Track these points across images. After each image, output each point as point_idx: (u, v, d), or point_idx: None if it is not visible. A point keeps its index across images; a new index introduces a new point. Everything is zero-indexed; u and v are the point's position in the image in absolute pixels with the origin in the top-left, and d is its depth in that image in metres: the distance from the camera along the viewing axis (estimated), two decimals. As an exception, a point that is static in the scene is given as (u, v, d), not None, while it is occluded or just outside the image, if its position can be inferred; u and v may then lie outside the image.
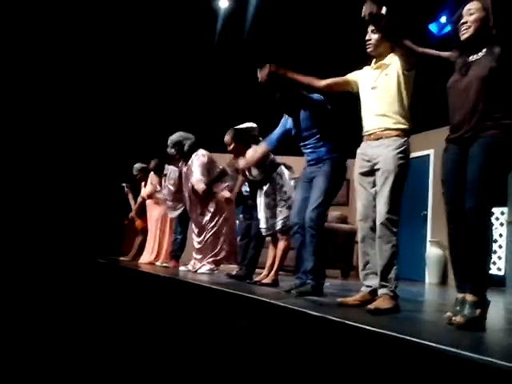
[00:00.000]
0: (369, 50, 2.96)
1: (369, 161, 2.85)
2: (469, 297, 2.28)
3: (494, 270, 5.83)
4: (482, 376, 1.51)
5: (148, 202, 6.65)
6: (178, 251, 5.99)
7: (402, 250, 2.79)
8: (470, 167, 2.32)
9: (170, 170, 6.00)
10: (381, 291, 2.68)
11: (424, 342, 1.76)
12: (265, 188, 4.11)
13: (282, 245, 3.99)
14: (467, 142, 2.36)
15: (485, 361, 1.52)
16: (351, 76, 3.10)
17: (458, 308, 2.36)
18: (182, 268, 5.51)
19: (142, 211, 6.81)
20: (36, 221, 8.00)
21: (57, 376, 2.52)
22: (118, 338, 3.31)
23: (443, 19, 6.84)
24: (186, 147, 5.25)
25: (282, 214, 3.98)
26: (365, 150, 2.91)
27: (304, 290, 3.19)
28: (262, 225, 4.12)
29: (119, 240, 7.80)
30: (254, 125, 4.52)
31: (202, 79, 7.59)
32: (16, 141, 8.08)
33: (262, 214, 4.12)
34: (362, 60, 3.09)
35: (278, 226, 3.99)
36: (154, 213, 6.54)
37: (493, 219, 5.94)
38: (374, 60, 2.99)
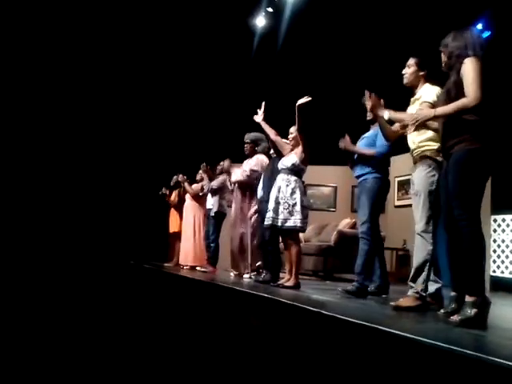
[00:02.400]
0: (404, 82, 3.39)
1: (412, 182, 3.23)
2: (467, 298, 2.49)
3: (507, 274, 5.89)
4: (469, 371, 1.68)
5: (187, 204, 7.10)
6: (214, 257, 6.40)
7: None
8: (449, 179, 2.61)
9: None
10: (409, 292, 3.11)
11: (415, 337, 1.98)
12: (282, 183, 4.33)
13: (293, 249, 4.27)
14: (448, 156, 2.66)
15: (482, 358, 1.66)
16: None
17: (451, 305, 2.65)
18: (232, 274, 5.78)
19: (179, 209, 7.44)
20: (88, 230, 8.67)
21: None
22: (158, 332, 3.69)
23: (480, 26, 6.88)
24: (259, 148, 5.58)
25: (282, 214, 4.23)
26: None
27: (350, 289, 3.75)
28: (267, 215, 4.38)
29: (165, 247, 8.29)
30: None
31: (238, 93, 8.00)
32: (66, 149, 8.82)
33: (269, 204, 4.39)
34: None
35: (278, 223, 4.25)
36: (189, 216, 6.99)
37: (504, 225, 6.04)
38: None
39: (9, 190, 8.31)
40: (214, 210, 6.34)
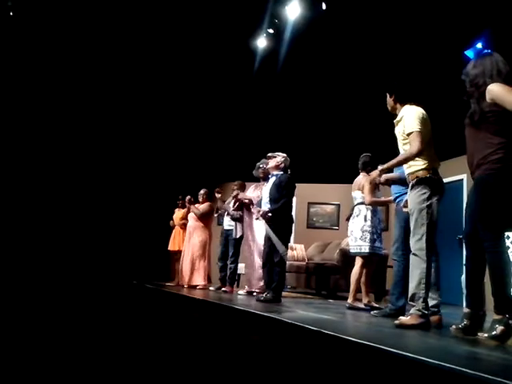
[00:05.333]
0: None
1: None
2: (494, 315, 2.53)
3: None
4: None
5: (192, 225, 7.09)
6: (233, 278, 6.54)
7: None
8: (471, 201, 2.71)
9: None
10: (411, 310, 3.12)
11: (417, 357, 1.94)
12: (368, 213, 4.60)
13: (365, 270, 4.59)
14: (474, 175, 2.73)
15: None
16: None
17: (463, 322, 2.65)
18: (240, 292, 6.08)
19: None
20: (91, 250, 8.67)
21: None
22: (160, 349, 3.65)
23: (479, 45, 6.95)
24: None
25: (374, 241, 4.54)
26: None
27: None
28: (355, 242, 4.69)
29: (167, 266, 8.27)
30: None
31: (239, 113, 8.10)
32: (71, 169, 8.89)
33: (359, 234, 4.61)
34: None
35: (367, 249, 4.55)
36: (194, 237, 7.00)
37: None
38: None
39: (17, 210, 8.36)
40: (239, 233, 6.39)
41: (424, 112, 3.27)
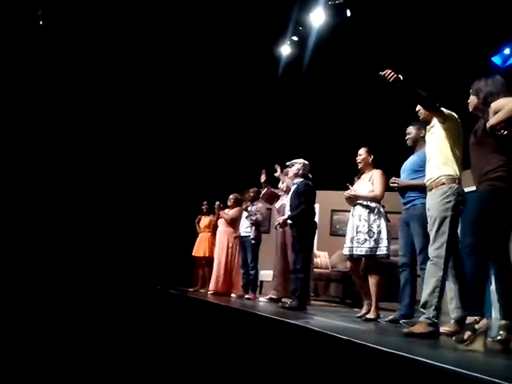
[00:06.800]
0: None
1: None
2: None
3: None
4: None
5: (222, 230, 7.07)
6: (255, 284, 6.54)
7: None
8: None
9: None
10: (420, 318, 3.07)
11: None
12: (362, 211, 4.28)
13: (374, 279, 4.14)
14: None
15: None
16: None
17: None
18: (261, 299, 6.08)
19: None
20: (115, 255, 8.76)
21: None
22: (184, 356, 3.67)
23: (507, 51, 6.84)
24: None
25: (368, 242, 4.16)
26: None
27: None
28: (348, 244, 4.33)
29: (191, 272, 8.30)
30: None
31: (263, 119, 8.15)
32: (93, 174, 9.02)
33: (349, 234, 4.34)
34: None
35: (361, 252, 4.18)
36: (224, 242, 6.94)
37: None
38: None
39: (40, 217, 8.51)
40: (252, 236, 6.40)
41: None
